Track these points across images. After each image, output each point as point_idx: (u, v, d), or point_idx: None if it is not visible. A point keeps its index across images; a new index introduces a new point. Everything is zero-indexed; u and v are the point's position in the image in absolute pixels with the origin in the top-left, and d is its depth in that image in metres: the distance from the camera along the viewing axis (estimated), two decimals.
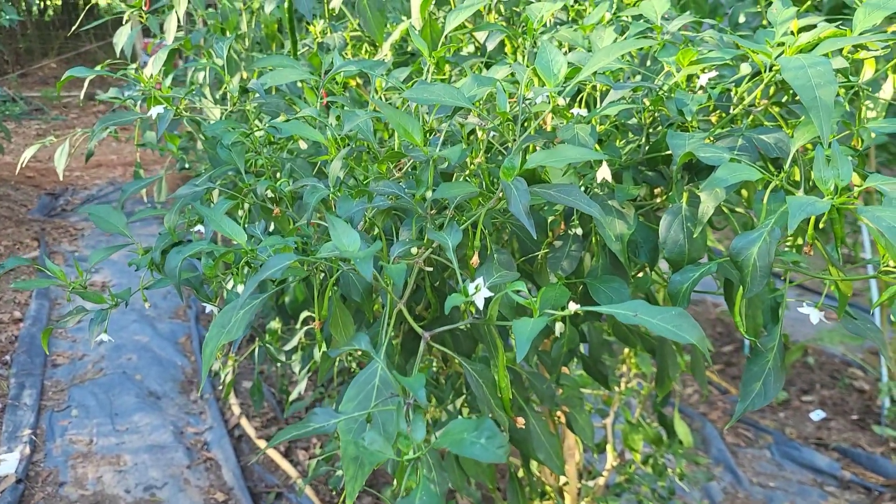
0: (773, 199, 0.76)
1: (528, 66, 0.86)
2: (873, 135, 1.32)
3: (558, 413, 1.69)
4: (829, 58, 0.81)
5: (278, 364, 3.22)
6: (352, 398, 0.72)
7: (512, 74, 0.94)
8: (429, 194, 0.83)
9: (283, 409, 3.95)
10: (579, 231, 0.99)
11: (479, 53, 1.51)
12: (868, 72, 1.03)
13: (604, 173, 0.91)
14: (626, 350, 2.32)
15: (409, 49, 1.95)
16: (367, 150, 0.98)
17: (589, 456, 2.82)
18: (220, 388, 4.22)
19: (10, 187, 8.23)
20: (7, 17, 5.65)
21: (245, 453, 3.65)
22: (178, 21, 2.15)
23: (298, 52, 1.87)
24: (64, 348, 4.77)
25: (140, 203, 8.05)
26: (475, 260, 0.86)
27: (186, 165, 1.97)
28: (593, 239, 0.99)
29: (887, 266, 0.73)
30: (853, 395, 4.29)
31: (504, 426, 0.88)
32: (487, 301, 0.75)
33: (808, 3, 1.35)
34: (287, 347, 2.12)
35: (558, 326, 1.08)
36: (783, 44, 0.86)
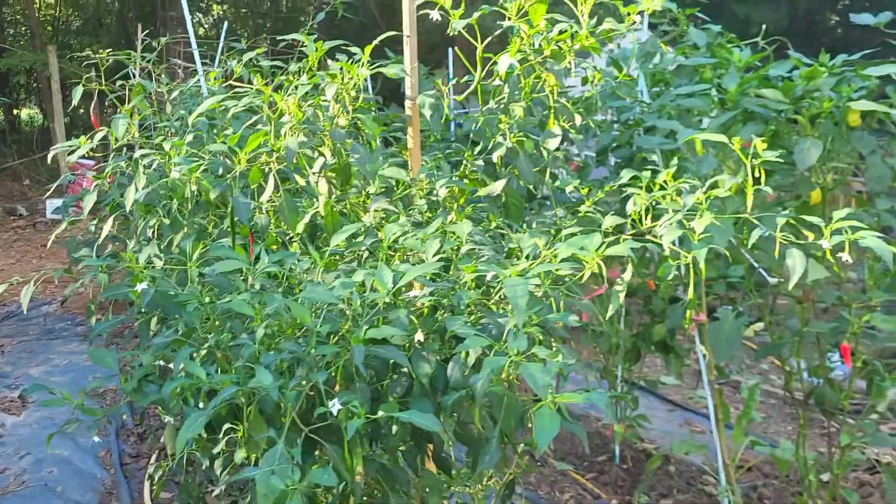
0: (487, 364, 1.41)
1: (372, 274, 1.52)
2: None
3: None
4: (538, 277, 1.50)
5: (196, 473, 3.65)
6: (266, 464, 1.31)
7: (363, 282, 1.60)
8: (313, 350, 1.45)
9: None
10: (406, 369, 1.63)
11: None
12: (588, 273, 1.73)
13: (419, 336, 1.56)
14: None
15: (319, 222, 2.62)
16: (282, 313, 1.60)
17: None
18: (137, 495, 4.55)
19: None
20: None
21: None
22: (137, 189, 2.77)
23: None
24: None
25: (60, 320, 8.34)
26: (336, 388, 1.48)
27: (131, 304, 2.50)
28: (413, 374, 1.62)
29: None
30: (703, 499, 4.96)
31: (357, 493, 1.49)
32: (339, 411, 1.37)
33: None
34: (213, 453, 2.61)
35: (394, 427, 1.69)
36: (513, 265, 1.54)
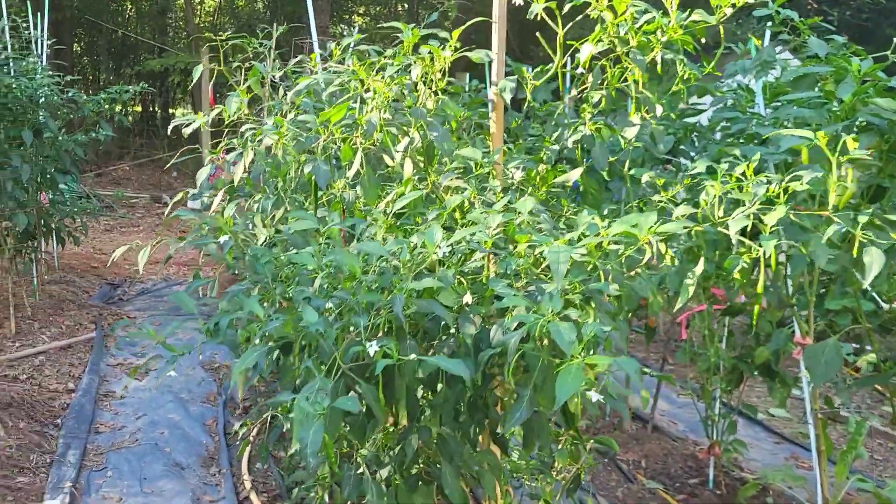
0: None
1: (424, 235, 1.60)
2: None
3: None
4: (586, 248, 1.53)
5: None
6: (305, 392, 1.41)
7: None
8: (363, 301, 1.54)
9: (288, 490, 4.52)
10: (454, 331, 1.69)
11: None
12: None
13: (467, 298, 1.62)
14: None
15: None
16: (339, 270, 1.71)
17: None
18: (236, 463, 4.82)
19: (76, 275, 9.21)
20: (104, 132, 6.71)
21: None
22: (245, 168, 2.97)
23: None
24: (107, 419, 5.46)
25: (195, 296, 8.87)
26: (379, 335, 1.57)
27: (235, 272, 2.69)
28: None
29: None
30: None
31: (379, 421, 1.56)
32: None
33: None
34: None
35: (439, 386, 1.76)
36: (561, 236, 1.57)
